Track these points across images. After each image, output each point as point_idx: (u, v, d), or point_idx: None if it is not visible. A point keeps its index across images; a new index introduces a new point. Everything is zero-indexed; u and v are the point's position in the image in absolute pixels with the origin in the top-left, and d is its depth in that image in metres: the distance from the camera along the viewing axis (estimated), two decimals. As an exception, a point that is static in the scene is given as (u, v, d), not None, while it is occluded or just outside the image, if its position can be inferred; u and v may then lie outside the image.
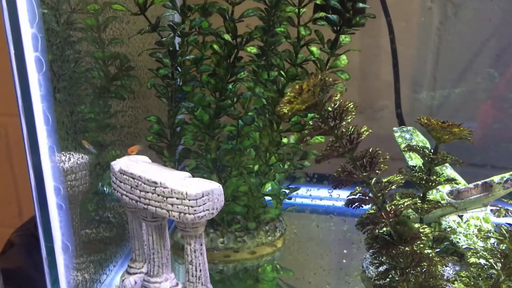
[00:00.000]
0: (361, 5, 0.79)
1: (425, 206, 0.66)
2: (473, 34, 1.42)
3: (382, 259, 0.63)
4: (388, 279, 0.64)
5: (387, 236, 0.61)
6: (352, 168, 0.59)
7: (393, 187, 0.58)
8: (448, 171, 0.89)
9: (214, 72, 0.82)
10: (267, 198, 0.97)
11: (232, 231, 0.94)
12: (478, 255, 0.61)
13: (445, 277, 0.62)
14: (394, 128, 0.99)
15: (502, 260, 0.59)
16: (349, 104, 0.56)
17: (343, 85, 0.86)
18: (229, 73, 0.81)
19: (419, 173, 0.67)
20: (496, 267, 0.59)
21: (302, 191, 1.09)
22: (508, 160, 1.25)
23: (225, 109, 0.83)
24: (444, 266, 0.67)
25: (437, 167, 0.72)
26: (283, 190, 0.97)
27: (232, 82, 0.84)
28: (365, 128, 0.57)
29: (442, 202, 0.81)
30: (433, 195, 0.82)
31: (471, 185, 0.83)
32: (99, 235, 0.86)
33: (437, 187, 0.80)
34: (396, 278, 0.63)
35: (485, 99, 1.40)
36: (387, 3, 1.41)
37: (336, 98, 0.55)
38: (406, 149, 0.69)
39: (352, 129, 0.58)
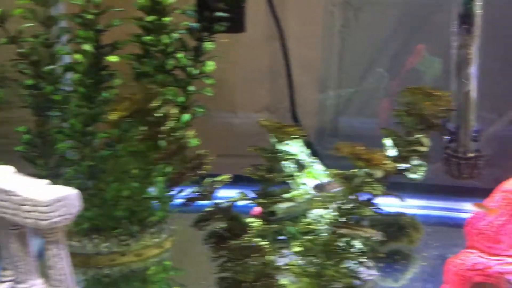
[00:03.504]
0: (218, 13, 0.83)
1: (266, 201, 0.70)
2: (373, 36, 1.50)
3: (222, 253, 0.67)
4: (230, 272, 0.68)
5: (222, 231, 0.66)
6: (184, 170, 0.63)
7: (220, 185, 0.62)
8: (317, 166, 0.94)
9: (83, 81, 0.85)
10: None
11: (116, 235, 0.96)
12: (304, 243, 0.66)
13: (280, 266, 0.67)
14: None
15: (324, 248, 0.64)
16: (173, 110, 0.60)
17: (211, 90, 0.91)
18: (98, 81, 0.84)
19: (261, 171, 0.72)
20: (319, 255, 0.64)
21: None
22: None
23: (96, 117, 0.86)
24: (283, 256, 0.72)
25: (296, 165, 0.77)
26: (170, 193, 1.00)
27: (104, 89, 0.87)
28: (192, 134, 0.61)
29: (307, 196, 0.86)
30: (297, 190, 0.86)
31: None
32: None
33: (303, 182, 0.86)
34: (237, 269, 0.67)
35: (383, 97, 1.48)
36: (291, 7, 1.48)
37: (157, 104, 0.58)
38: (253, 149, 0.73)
39: (181, 135, 0.62)
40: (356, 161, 0.63)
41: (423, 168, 0.92)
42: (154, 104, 0.57)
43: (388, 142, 0.86)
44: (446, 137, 1.11)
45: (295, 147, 1.01)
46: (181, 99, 0.90)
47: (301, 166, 0.93)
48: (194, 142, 0.96)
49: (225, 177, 0.64)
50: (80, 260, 0.94)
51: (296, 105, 1.44)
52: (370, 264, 0.95)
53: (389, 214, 1.04)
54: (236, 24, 1.04)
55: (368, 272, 0.93)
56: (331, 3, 1.49)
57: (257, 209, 0.99)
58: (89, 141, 0.86)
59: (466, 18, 1.01)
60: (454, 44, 1.05)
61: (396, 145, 0.70)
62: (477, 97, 1.13)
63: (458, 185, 1.18)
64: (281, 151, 0.72)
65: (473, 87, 1.05)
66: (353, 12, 1.52)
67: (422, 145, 0.70)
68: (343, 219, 0.65)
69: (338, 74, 1.59)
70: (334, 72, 1.68)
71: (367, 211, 0.67)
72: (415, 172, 0.92)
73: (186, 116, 0.93)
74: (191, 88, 0.90)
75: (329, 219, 0.64)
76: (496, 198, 0.78)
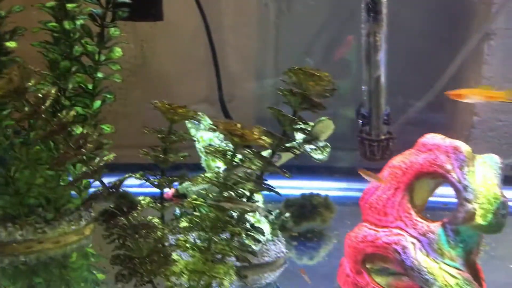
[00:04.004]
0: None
1: (163, 181, 0.73)
2: (306, 27, 1.54)
3: (113, 231, 0.69)
4: (124, 249, 0.70)
5: (113, 210, 0.68)
6: (68, 149, 0.64)
7: (104, 162, 0.64)
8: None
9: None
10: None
11: (32, 222, 0.97)
12: (191, 218, 0.69)
13: (172, 243, 0.70)
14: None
15: (210, 222, 0.67)
16: (52, 90, 0.61)
17: (119, 76, 0.92)
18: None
19: (156, 153, 0.74)
20: (205, 229, 0.67)
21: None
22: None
23: (2, 105, 0.86)
24: (176, 234, 0.74)
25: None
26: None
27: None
28: (74, 113, 0.62)
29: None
30: (210, 172, 0.89)
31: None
32: None
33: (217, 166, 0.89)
34: (129, 246, 0.69)
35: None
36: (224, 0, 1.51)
37: (31, 84, 0.60)
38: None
39: (66, 115, 0.63)
40: (231, 137, 0.66)
41: (328, 149, 0.97)
42: (30, 83, 0.59)
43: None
44: (360, 122, 1.16)
45: (209, 133, 1.04)
46: (90, 86, 0.91)
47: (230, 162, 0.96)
48: (107, 129, 0.99)
49: (110, 156, 0.66)
50: (-5, 248, 0.96)
51: (230, 96, 1.46)
52: (280, 242, 0.99)
53: (303, 195, 1.09)
54: (152, 12, 1.06)
55: (279, 250, 0.97)
56: (265, -5, 1.53)
57: (169, 192, 1.02)
58: (-6, 129, 0.87)
59: (373, 7, 1.06)
60: (363, 32, 1.10)
61: (282, 123, 0.74)
62: (395, 85, 1.19)
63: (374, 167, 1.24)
64: (176, 133, 0.74)
65: (382, 73, 1.10)
66: (286, 4, 1.57)
67: (306, 123, 0.73)
68: (226, 194, 0.68)
69: (274, 63, 1.63)
70: (270, 62, 1.72)
71: (250, 186, 0.70)
72: (321, 153, 0.96)
73: (97, 103, 0.94)
74: (99, 74, 0.92)
75: (212, 194, 0.67)
76: (384, 174, 0.83)
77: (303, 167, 1.34)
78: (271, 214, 0.97)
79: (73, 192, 1.04)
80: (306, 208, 1.05)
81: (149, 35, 1.35)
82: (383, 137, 1.12)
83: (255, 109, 1.62)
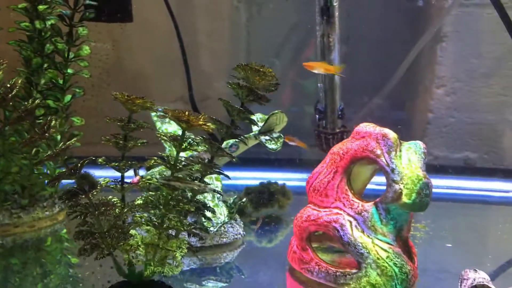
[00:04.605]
0: (88, 2, 0.93)
1: (123, 164, 0.81)
2: (275, 28, 1.63)
3: (76, 209, 0.77)
4: (86, 226, 0.78)
5: (75, 189, 0.76)
6: (34, 133, 0.72)
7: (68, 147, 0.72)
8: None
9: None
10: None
11: (8, 208, 1.05)
12: (145, 197, 0.77)
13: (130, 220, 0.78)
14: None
15: (162, 201, 0.75)
16: (18, 81, 0.69)
17: (88, 72, 1.00)
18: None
19: (117, 139, 0.82)
20: (158, 207, 0.75)
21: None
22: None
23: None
24: (135, 212, 0.82)
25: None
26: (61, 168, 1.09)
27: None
28: (38, 101, 0.70)
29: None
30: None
31: (203, 152, 1.00)
32: None
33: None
34: (91, 222, 0.77)
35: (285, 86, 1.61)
36: (199, 3, 1.59)
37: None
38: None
39: (31, 103, 0.71)
40: (178, 122, 0.74)
41: (281, 140, 1.05)
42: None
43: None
44: (317, 116, 1.25)
45: (174, 126, 1.12)
46: (60, 81, 0.99)
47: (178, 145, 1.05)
48: (77, 122, 1.07)
49: (72, 140, 0.74)
50: (-27, 232, 1.03)
51: (203, 95, 1.54)
52: (238, 225, 1.07)
53: (261, 183, 1.18)
54: (120, 14, 1.14)
55: (236, 232, 1.05)
56: (236, -1, 1.62)
57: (135, 179, 1.10)
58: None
59: (326, 11, 1.15)
60: (317, 34, 1.19)
61: (230, 113, 0.82)
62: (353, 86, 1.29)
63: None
64: (136, 122, 0.82)
65: (336, 71, 1.19)
66: (257, 8, 1.66)
67: (250, 112, 0.82)
68: (177, 175, 0.76)
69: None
70: (241, 63, 1.81)
71: (198, 167, 0.78)
72: (274, 143, 1.05)
73: (67, 97, 1.02)
74: (69, 70, 1.00)
75: (162, 175, 0.75)
76: (327, 160, 0.92)
77: (267, 160, 1.43)
78: (230, 199, 1.06)
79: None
80: (264, 194, 1.13)
81: (122, 35, 1.43)
82: (337, 130, 1.21)
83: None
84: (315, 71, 1.07)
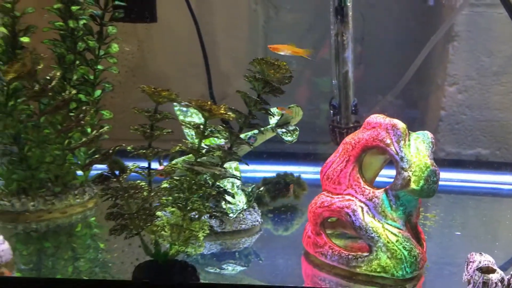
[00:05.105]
0: (117, 2, 1.01)
1: (150, 151, 0.87)
2: (291, 29, 1.69)
3: (107, 191, 0.84)
4: (117, 208, 0.85)
5: (107, 173, 0.83)
6: (70, 121, 0.79)
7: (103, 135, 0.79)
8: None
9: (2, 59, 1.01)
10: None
11: (42, 195, 1.13)
12: (170, 180, 0.83)
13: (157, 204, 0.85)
14: (175, 103, 1.21)
15: (186, 185, 0.82)
16: (57, 73, 0.77)
17: (116, 68, 1.08)
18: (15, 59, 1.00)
19: (144, 129, 0.89)
20: (182, 190, 0.82)
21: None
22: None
23: (17, 91, 1.02)
24: (160, 196, 0.88)
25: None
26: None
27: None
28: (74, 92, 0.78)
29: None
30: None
31: (223, 142, 1.06)
32: None
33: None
34: (121, 204, 0.84)
35: (301, 84, 1.67)
36: (218, 6, 1.66)
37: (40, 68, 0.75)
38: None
39: (68, 94, 0.79)
40: (201, 111, 0.80)
41: (297, 132, 1.11)
42: (40, 67, 0.73)
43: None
44: (331, 112, 1.30)
45: (195, 119, 1.19)
46: (91, 76, 1.07)
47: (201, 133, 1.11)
48: (107, 114, 1.14)
49: (105, 128, 0.81)
50: (10, 217, 1.11)
51: (223, 93, 1.61)
52: (256, 212, 1.13)
53: (278, 174, 1.24)
54: (146, 15, 1.21)
55: (254, 219, 1.11)
56: (254, 2, 1.69)
57: (160, 168, 1.17)
58: (11, 112, 1.02)
59: (340, 10, 1.21)
60: (332, 33, 1.25)
61: (248, 104, 0.88)
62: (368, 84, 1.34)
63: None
64: (161, 113, 0.89)
65: (349, 68, 1.25)
66: (274, 10, 1.72)
67: (267, 103, 0.88)
68: (199, 160, 0.82)
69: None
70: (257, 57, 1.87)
71: (218, 153, 0.84)
72: (290, 135, 1.11)
73: (97, 92, 1.10)
74: (99, 67, 1.08)
75: (187, 160, 0.81)
76: (340, 149, 0.97)
77: (286, 154, 1.49)
78: (249, 188, 1.12)
79: (79, 173, 1.20)
80: (280, 185, 1.19)
81: (147, 35, 1.51)
82: (351, 125, 1.26)
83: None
84: (282, 53, 1.11)
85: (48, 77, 0.74)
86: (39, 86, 0.73)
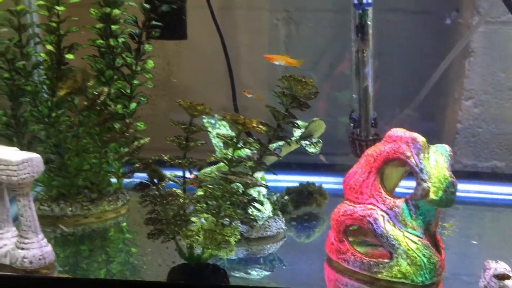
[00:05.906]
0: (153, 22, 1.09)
1: (185, 161, 0.94)
2: (312, 44, 1.76)
3: (147, 198, 0.90)
4: (155, 214, 0.91)
5: (147, 181, 0.90)
6: (114, 133, 0.86)
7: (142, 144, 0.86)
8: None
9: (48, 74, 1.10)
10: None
11: (79, 201, 1.20)
12: (205, 188, 0.89)
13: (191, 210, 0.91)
14: (204, 116, 1.28)
15: (220, 192, 0.88)
16: (105, 89, 0.84)
17: (152, 83, 1.16)
18: (60, 74, 1.09)
19: (179, 140, 0.95)
20: (215, 197, 0.88)
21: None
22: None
23: (59, 104, 1.10)
24: (195, 203, 0.95)
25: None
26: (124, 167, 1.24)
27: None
28: (120, 106, 0.85)
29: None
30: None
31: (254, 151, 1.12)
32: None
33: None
34: (158, 210, 0.90)
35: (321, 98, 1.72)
36: (240, 21, 1.73)
37: (92, 83, 0.82)
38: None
39: (113, 108, 0.86)
40: (235, 124, 0.87)
41: (320, 145, 1.17)
42: (90, 83, 0.81)
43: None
44: (352, 125, 1.36)
45: (224, 130, 1.26)
46: (128, 90, 1.15)
47: (229, 144, 1.18)
48: (140, 126, 1.22)
49: (146, 139, 0.87)
50: (49, 221, 1.19)
51: (244, 106, 1.67)
52: (280, 220, 1.19)
53: (301, 184, 1.30)
54: (179, 32, 1.29)
55: (279, 226, 1.17)
56: (275, 18, 1.76)
57: (191, 176, 1.24)
58: (53, 123, 1.10)
59: (360, 28, 1.27)
60: (352, 50, 1.31)
61: (276, 118, 0.94)
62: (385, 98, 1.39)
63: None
64: (195, 125, 0.95)
65: (369, 83, 1.31)
66: (295, 26, 1.79)
67: (294, 116, 0.94)
68: (232, 170, 0.89)
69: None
70: (280, 76, 1.94)
71: (250, 164, 0.90)
72: (314, 147, 1.16)
73: (133, 105, 1.17)
74: (135, 81, 1.16)
75: (220, 169, 0.87)
76: (362, 161, 1.03)
77: (309, 164, 1.54)
78: (274, 197, 1.18)
79: (113, 180, 1.27)
80: (303, 194, 1.25)
81: (175, 52, 1.59)
82: (370, 137, 1.32)
83: (266, 117, 1.84)
84: (276, 63, 1.18)
85: (96, 93, 0.82)
86: (88, 100, 0.81)
